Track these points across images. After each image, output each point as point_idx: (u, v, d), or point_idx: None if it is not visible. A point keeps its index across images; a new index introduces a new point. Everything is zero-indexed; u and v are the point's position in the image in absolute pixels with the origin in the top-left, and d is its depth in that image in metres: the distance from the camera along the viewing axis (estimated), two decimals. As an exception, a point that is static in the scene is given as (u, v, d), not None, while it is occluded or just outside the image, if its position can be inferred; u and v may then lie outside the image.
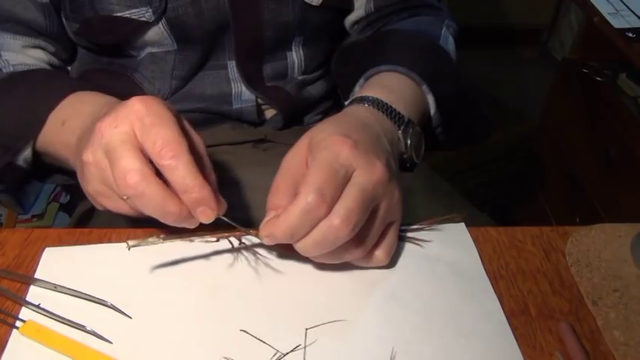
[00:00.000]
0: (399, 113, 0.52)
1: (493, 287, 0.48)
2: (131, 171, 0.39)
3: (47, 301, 0.44)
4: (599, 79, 1.26)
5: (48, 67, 0.65)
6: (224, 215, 0.43)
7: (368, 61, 0.61)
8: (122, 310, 0.44)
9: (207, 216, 0.42)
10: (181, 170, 0.40)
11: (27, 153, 0.56)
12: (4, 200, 0.67)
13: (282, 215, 0.41)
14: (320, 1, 0.67)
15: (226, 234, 0.46)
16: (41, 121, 0.54)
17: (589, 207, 1.28)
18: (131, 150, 0.40)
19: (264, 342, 0.42)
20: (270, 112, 0.74)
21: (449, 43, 0.69)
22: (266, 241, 0.43)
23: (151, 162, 0.41)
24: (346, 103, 0.55)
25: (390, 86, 0.56)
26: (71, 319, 0.43)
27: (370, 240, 0.45)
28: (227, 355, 0.41)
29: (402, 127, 0.52)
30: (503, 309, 0.46)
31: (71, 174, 0.54)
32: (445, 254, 0.50)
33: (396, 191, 0.46)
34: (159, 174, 0.41)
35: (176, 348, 0.42)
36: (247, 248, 0.49)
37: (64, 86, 0.55)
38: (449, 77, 0.64)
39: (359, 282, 0.47)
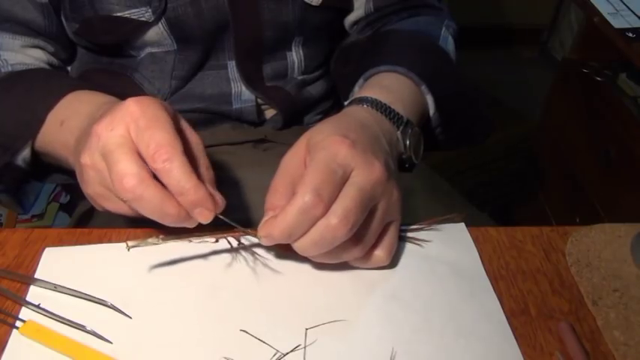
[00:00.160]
0: (397, 114, 0.52)
1: (493, 287, 0.48)
2: (128, 175, 0.39)
3: (47, 301, 0.44)
4: (599, 79, 1.26)
5: (47, 66, 0.65)
6: (223, 215, 0.43)
7: (367, 61, 0.61)
8: (122, 310, 0.44)
9: (204, 217, 0.42)
10: (175, 173, 0.40)
11: (26, 153, 0.56)
12: (4, 200, 0.67)
13: (280, 215, 0.41)
14: (320, 1, 0.67)
15: (225, 234, 0.46)
16: (40, 121, 0.53)
17: (589, 207, 1.28)
18: (128, 153, 0.40)
19: (264, 342, 0.42)
20: (270, 112, 0.74)
21: (448, 43, 0.69)
22: (264, 242, 0.43)
23: None
24: (345, 103, 0.55)
25: (389, 87, 0.56)
26: (71, 319, 0.43)
27: (369, 240, 0.45)
28: (227, 355, 0.41)
29: (400, 128, 0.52)
30: (503, 309, 0.46)
31: (70, 173, 0.54)
32: (445, 254, 0.50)
33: (394, 191, 0.46)
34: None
35: (176, 348, 0.42)
36: (247, 248, 0.49)
37: (63, 85, 0.55)
38: (448, 77, 0.64)
39: (359, 282, 0.47)
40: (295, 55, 0.72)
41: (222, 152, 0.68)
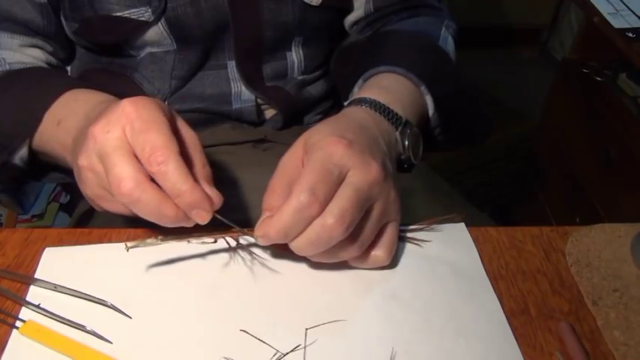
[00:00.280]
0: (396, 114, 0.52)
1: (493, 287, 0.48)
2: (125, 179, 0.39)
3: (47, 301, 0.44)
4: (599, 79, 1.26)
5: (45, 66, 0.65)
6: (223, 215, 0.43)
7: (367, 61, 0.61)
8: (122, 310, 0.44)
9: (201, 218, 0.42)
10: (171, 176, 0.40)
11: (23, 152, 0.56)
12: (3, 200, 0.67)
13: (276, 215, 0.41)
14: (319, 1, 0.67)
15: (224, 234, 0.46)
16: (37, 120, 0.53)
17: (589, 207, 1.28)
18: (124, 156, 0.40)
19: (264, 342, 0.42)
20: (269, 112, 0.74)
21: (448, 43, 0.69)
22: (261, 242, 0.43)
23: None
24: (345, 104, 0.55)
25: (388, 87, 0.56)
26: (71, 319, 0.43)
27: (366, 239, 0.45)
28: (227, 355, 0.41)
29: (399, 128, 0.52)
30: (503, 309, 0.46)
31: (68, 172, 0.54)
32: (445, 254, 0.50)
33: (392, 191, 0.46)
34: None
35: (176, 348, 0.42)
36: (247, 248, 0.49)
37: (60, 84, 0.55)
38: (448, 78, 0.64)
39: (359, 282, 0.47)
40: (295, 55, 0.72)
41: (221, 152, 0.68)
